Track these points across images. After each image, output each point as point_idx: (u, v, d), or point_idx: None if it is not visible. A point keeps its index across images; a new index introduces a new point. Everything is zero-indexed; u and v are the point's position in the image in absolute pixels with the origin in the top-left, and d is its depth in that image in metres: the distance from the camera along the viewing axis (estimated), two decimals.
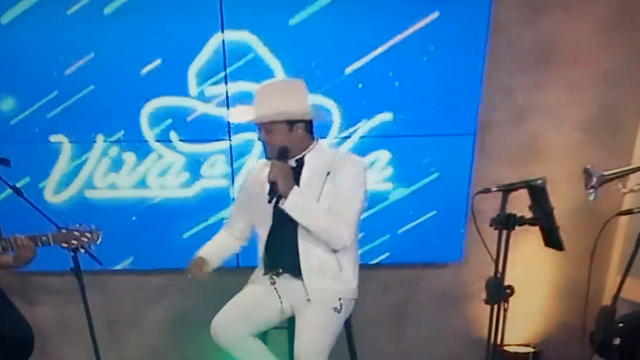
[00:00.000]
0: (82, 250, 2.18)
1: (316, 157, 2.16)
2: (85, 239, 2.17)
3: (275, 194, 2.02)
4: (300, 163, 2.16)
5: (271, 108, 2.05)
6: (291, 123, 2.09)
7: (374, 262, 3.00)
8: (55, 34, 2.63)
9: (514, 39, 2.73)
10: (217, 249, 2.34)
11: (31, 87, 2.71)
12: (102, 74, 2.70)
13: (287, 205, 2.03)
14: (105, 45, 2.67)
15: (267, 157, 2.18)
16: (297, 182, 2.10)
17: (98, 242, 2.20)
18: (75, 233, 2.16)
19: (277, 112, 2.06)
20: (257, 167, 2.38)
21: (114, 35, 2.64)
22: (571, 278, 3.08)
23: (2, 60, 2.67)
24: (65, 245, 2.16)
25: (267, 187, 2.03)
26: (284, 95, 2.10)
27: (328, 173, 2.12)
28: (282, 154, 2.07)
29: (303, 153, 2.16)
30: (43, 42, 2.64)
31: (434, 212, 2.93)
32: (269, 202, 2.03)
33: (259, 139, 2.19)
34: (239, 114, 2.19)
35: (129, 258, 3.00)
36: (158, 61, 2.69)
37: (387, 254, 3.00)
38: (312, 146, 2.18)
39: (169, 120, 2.78)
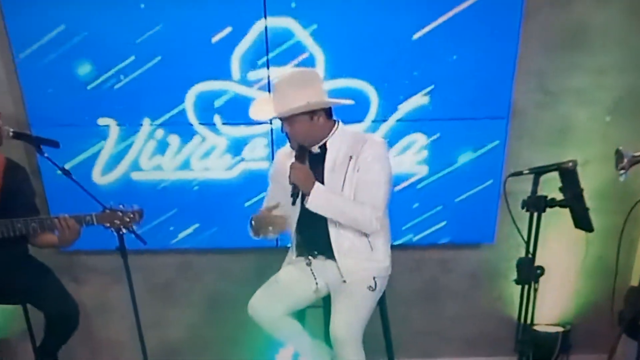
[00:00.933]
0: (125, 230, 2.23)
1: (338, 142, 2.18)
2: (128, 219, 2.22)
3: (298, 195, 2.09)
4: (323, 149, 2.20)
5: (290, 101, 2.06)
6: (311, 113, 2.11)
7: (407, 241, 3.02)
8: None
9: (545, 23, 2.72)
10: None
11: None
12: (151, 60, 2.77)
13: (311, 205, 2.09)
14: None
15: (291, 147, 2.23)
16: (322, 169, 2.16)
17: (140, 222, 2.25)
18: (119, 213, 2.22)
19: (296, 106, 2.06)
20: (278, 156, 2.41)
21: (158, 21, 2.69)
22: (600, 259, 3.11)
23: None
24: (108, 225, 2.23)
25: (289, 176, 2.10)
26: (301, 86, 2.10)
27: (350, 157, 2.15)
28: (300, 154, 2.12)
29: (325, 139, 2.19)
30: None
31: (468, 194, 2.96)
32: (293, 203, 2.11)
33: (282, 131, 2.21)
34: (259, 111, 2.23)
35: (173, 238, 3.05)
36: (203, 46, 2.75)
37: (421, 235, 3.03)
38: (333, 131, 2.20)
39: (217, 102, 2.82)
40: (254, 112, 2.24)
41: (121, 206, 2.23)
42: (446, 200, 2.98)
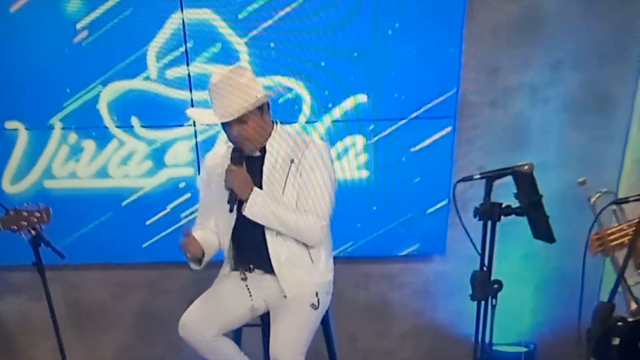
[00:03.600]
0: (34, 232, 2.09)
1: (278, 144, 2.08)
2: (35, 219, 2.08)
3: (235, 201, 1.98)
4: (262, 152, 2.09)
5: (238, 101, 1.93)
6: (260, 108, 2.00)
7: (351, 255, 2.87)
8: None
9: (494, 12, 2.57)
10: (204, 238, 2.17)
11: None
12: (55, 54, 2.60)
13: (248, 213, 1.99)
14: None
15: (240, 152, 2.06)
16: (261, 173, 2.06)
17: (49, 221, 2.11)
18: (24, 213, 2.07)
19: (249, 103, 1.94)
20: (208, 160, 2.26)
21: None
22: (564, 272, 2.90)
23: None
24: (15, 228, 2.07)
25: (224, 181, 2.00)
26: (242, 84, 1.97)
27: (292, 161, 2.05)
28: (236, 156, 2.00)
29: (266, 142, 2.08)
30: None
31: (414, 201, 2.78)
32: (230, 210, 1.99)
33: (228, 137, 2.05)
34: (202, 115, 2.09)
35: (93, 251, 2.90)
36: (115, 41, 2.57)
37: (365, 247, 2.87)
38: (272, 132, 2.10)
39: (133, 104, 2.67)
40: (199, 116, 2.13)
41: (26, 205, 2.09)
42: (391, 209, 2.81)
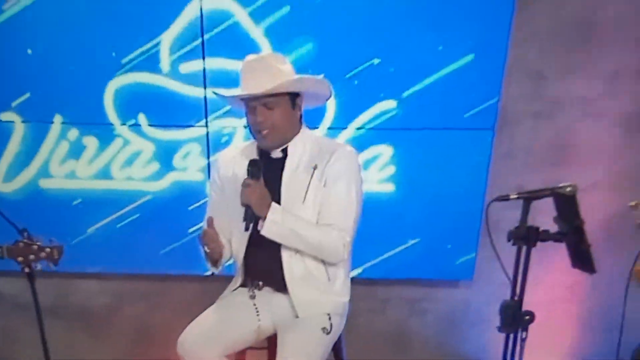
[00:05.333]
0: (39, 267, 1.97)
1: (301, 147, 1.97)
2: (44, 254, 1.95)
3: (251, 219, 1.86)
4: (284, 154, 1.97)
5: (278, 75, 1.83)
6: (294, 100, 1.90)
7: (368, 276, 2.73)
8: None
9: (543, 14, 2.44)
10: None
11: None
12: (59, 44, 2.45)
13: (266, 232, 1.87)
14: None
15: (261, 146, 1.97)
16: (280, 177, 1.95)
17: (57, 260, 1.97)
18: (34, 247, 1.94)
19: (289, 80, 1.85)
20: (222, 158, 2.13)
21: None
22: (603, 306, 2.80)
23: None
24: (20, 260, 1.94)
25: (239, 185, 1.86)
26: (280, 64, 1.89)
27: (315, 167, 1.93)
28: (253, 168, 1.88)
29: (289, 142, 1.97)
30: None
31: (442, 221, 2.65)
32: (246, 229, 1.86)
33: (248, 126, 1.95)
34: (231, 91, 1.97)
35: (86, 260, 2.76)
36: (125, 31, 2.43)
37: (384, 267, 2.72)
38: (299, 133, 1.99)
39: (142, 100, 2.52)
40: (224, 91, 1.98)
41: (36, 238, 1.95)
42: (417, 228, 2.67)
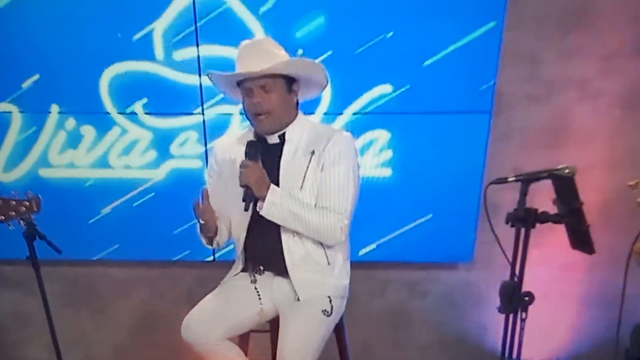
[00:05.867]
0: (22, 223, 2.03)
1: (299, 132, 1.96)
2: (24, 208, 2.01)
3: (251, 199, 1.86)
4: (282, 140, 1.97)
5: (268, 60, 1.82)
6: (290, 84, 1.89)
7: (368, 259, 2.71)
8: None
9: None
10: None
11: None
12: (54, 34, 2.43)
13: (265, 212, 1.88)
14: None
15: (257, 131, 1.96)
16: (278, 163, 1.95)
17: (38, 211, 2.05)
18: (12, 202, 2.00)
19: (284, 60, 1.84)
20: (220, 144, 2.12)
21: None
22: (603, 285, 2.80)
23: None
24: (2, 218, 2.00)
25: (238, 169, 1.86)
26: (276, 48, 1.89)
27: (312, 152, 1.93)
28: (252, 150, 1.89)
29: (286, 127, 1.96)
30: None
31: (441, 204, 2.62)
32: (245, 209, 1.86)
33: (243, 112, 1.94)
34: (227, 74, 1.96)
35: (91, 247, 2.77)
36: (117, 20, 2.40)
37: (383, 251, 2.70)
38: (295, 119, 1.98)
39: (138, 88, 2.51)
40: (219, 73, 1.96)
41: (13, 193, 2.03)
42: (415, 211, 2.65)
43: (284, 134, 1.95)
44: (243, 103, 1.89)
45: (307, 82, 1.94)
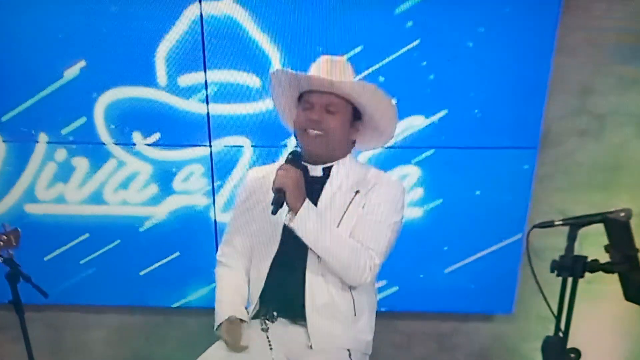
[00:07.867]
0: (1, 260, 2.00)
1: (346, 170, 1.90)
2: (1, 242, 1.99)
3: (281, 204, 1.74)
4: (326, 174, 1.90)
5: (350, 77, 1.81)
6: (354, 117, 1.83)
7: (392, 308, 2.59)
8: None
9: (593, 19, 2.28)
10: (240, 295, 1.96)
11: None
12: (44, 54, 2.30)
13: (297, 223, 1.76)
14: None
15: (296, 153, 1.84)
16: (317, 198, 1.86)
17: (16, 246, 2.03)
18: None
19: (364, 83, 1.77)
20: (251, 176, 2.03)
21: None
22: None
23: None
24: None
25: (266, 200, 1.77)
26: (349, 73, 1.85)
27: (357, 192, 1.87)
28: (295, 159, 1.81)
29: (334, 162, 1.91)
30: None
31: (478, 249, 2.49)
32: (273, 213, 1.74)
33: (293, 130, 1.86)
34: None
35: (80, 290, 2.64)
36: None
37: (409, 299, 2.59)
38: (345, 157, 1.94)
39: (137, 116, 2.38)
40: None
41: None
42: (448, 256, 2.51)
43: (329, 167, 1.89)
44: (296, 118, 1.82)
45: (370, 123, 1.86)
